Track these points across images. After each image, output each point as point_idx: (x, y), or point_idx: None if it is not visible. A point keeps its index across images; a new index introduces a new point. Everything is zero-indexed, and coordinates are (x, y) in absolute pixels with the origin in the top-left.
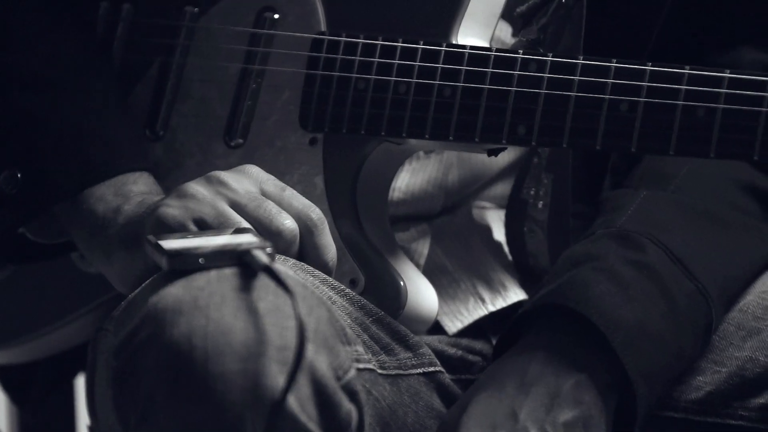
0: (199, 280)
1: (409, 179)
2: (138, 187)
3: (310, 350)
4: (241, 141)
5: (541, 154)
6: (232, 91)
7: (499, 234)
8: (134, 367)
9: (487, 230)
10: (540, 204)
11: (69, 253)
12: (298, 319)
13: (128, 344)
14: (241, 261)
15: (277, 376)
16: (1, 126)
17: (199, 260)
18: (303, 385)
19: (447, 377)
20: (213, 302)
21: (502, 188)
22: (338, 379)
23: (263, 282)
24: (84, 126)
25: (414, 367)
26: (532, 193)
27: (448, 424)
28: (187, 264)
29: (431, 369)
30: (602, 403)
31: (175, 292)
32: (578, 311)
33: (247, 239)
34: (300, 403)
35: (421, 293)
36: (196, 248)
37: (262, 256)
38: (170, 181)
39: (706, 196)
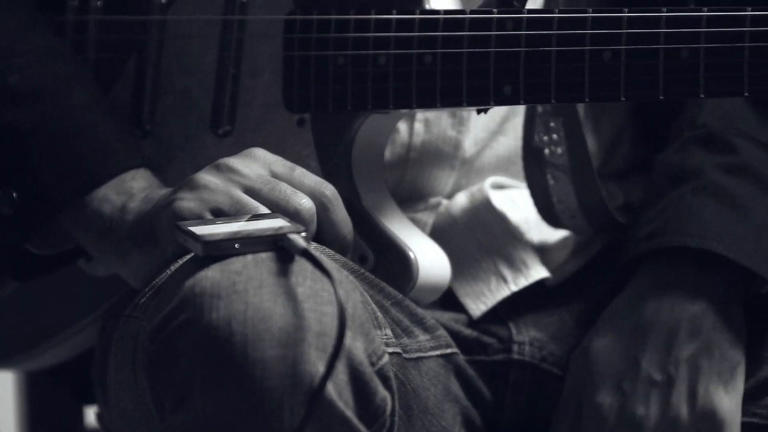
0: (236, 263)
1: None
2: (138, 183)
3: (349, 336)
4: (228, 128)
5: None
6: (212, 79)
7: (516, 212)
8: (171, 350)
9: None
10: (558, 150)
11: (74, 261)
12: (339, 305)
13: (164, 328)
14: (277, 246)
15: (315, 363)
16: None
17: (235, 246)
18: (340, 372)
19: (462, 358)
20: (251, 287)
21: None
22: (373, 365)
23: (301, 266)
24: (73, 131)
25: (432, 349)
26: (545, 139)
27: (577, 372)
28: (223, 250)
29: (448, 351)
30: (722, 322)
31: (212, 275)
32: (702, 248)
33: (280, 224)
34: (338, 390)
35: (431, 260)
36: (230, 234)
37: (299, 240)
38: (162, 176)
39: None
